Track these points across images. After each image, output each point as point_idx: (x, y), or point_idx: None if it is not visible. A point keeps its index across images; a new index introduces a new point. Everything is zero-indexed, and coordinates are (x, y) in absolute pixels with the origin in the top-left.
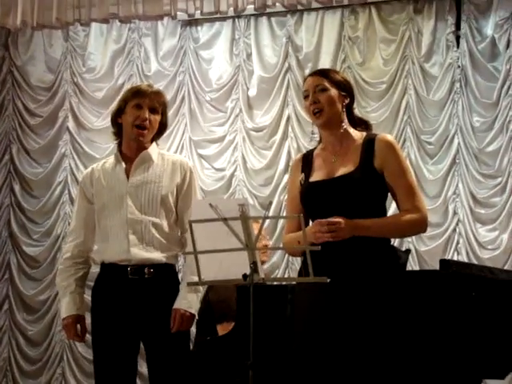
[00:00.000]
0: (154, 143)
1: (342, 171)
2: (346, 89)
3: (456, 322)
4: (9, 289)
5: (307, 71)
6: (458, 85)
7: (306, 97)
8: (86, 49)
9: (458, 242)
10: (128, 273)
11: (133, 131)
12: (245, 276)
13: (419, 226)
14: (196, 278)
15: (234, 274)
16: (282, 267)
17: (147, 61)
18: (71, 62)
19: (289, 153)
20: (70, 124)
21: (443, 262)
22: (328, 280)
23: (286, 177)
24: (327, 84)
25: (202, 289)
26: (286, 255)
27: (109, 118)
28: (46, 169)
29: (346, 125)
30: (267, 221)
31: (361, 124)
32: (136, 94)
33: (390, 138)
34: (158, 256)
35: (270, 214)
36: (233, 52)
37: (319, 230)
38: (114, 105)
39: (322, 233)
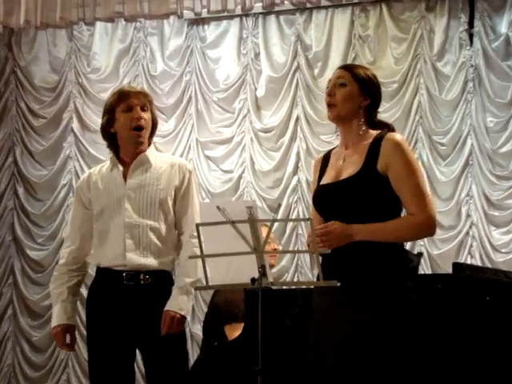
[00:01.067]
0: (151, 145)
1: (346, 173)
2: (369, 89)
3: (470, 328)
4: (13, 294)
5: (316, 71)
6: (471, 84)
7: (327, 88)
8: (91, 48)
9: (471, 245)
10: (123, 278)
11: (131, 134)
12: (253, 280)
13: (425, 230)
14: (188, 280)
15: (242, 278)
16: (291, 271)
17: (153, 61)
18: (75, 62)
19: (298, 154)
20: (75, 125)
21: (456, 265)
22: (338, 284)
23: (295, 179)
24: (349, 79)
25: (193, 291)
26: (295, 259)
27: None
28: (51, 171)
29: (361, 125)
30: (276, 224)
31: (381, 128)
32: (122, 97)
33: (398, 137)
34: (154, 262)
35: (279, 216)
36: (240, 51)
37: (313, 239)
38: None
39: (316, 242)
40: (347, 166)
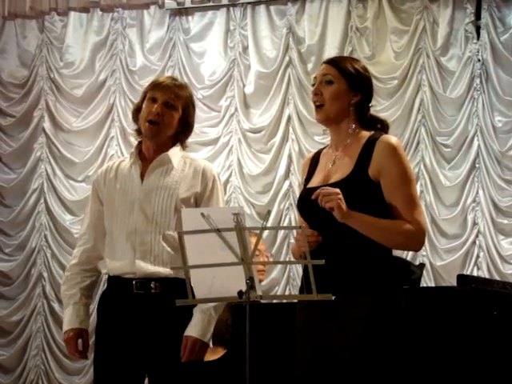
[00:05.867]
0: (177, 145)
1: (335, 177)
2: (358, 85)
3: (475, 345)
4: None
5: (310, 66)
6: (477, 80)
7: (313, 85)
8: (64, 41)
9: (477, 256)
10: (133, 287)
11: (145, 127)
12: (240, 293)
13: (415, 241)
14: (212, 303)
15: (229, 292)
16: (282, 284)
17: (132, 54)
18: (47, 55)
19: (289, 156)
20: (46, 125)
21: (461, 277)
22: (333, 297)
23: (287, 183)
24: (336, 75)
25: (215, 314)
26: (287, 270)
27: (89, 118)
28: (20, 175)
29: (353, 124)
30: (265, 232)
31: (375, 125)
32: (152, 86)
33: (393, 140)
34: (166, 270)
35: (269, 224)
36: (227, 44)
37: (319, 193)
38: None
39: (325, 198)
40: (337, 169)
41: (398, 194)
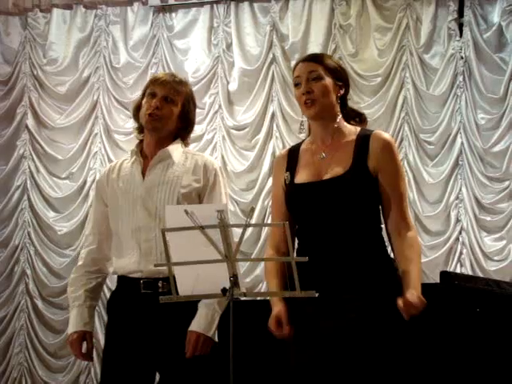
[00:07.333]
0: (177, 141)
1: (332, 172)
2: (341, 78)
3: (458, 341)
4: None
5: (294, 63)
6: (460, 78)
7: (297, 84)
8: (47, 38)
9: (461, 253)
10: (140, 287)
11: (145, 119)
12: (224, 290)
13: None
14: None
15: (213, 288)
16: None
17: (115, 51)
18: (30, 52)
19: (273, 154)
20: (30, 122)
21: (444, 274)
22: (316, 294)
23: (271, 180)
24: (322, 71)
25: (219, 308)
26: None
27: (72, 115)
28: (3, 172)
29: (339, 118)
30: (249, 229)
31: (355, 117)
32: (152, 82)
33: (388, 136)
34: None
35: (253, 221)
36: (211, 41)
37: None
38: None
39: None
40: (330, 164)
41: (394, 191)
